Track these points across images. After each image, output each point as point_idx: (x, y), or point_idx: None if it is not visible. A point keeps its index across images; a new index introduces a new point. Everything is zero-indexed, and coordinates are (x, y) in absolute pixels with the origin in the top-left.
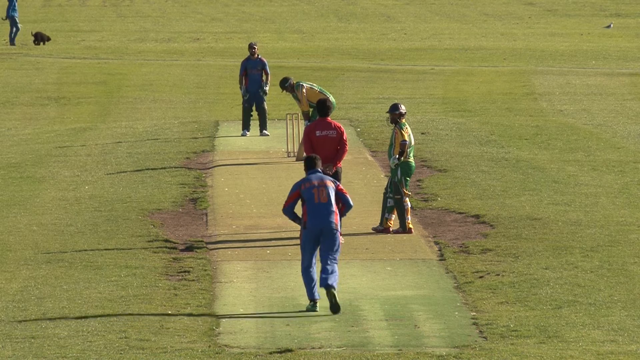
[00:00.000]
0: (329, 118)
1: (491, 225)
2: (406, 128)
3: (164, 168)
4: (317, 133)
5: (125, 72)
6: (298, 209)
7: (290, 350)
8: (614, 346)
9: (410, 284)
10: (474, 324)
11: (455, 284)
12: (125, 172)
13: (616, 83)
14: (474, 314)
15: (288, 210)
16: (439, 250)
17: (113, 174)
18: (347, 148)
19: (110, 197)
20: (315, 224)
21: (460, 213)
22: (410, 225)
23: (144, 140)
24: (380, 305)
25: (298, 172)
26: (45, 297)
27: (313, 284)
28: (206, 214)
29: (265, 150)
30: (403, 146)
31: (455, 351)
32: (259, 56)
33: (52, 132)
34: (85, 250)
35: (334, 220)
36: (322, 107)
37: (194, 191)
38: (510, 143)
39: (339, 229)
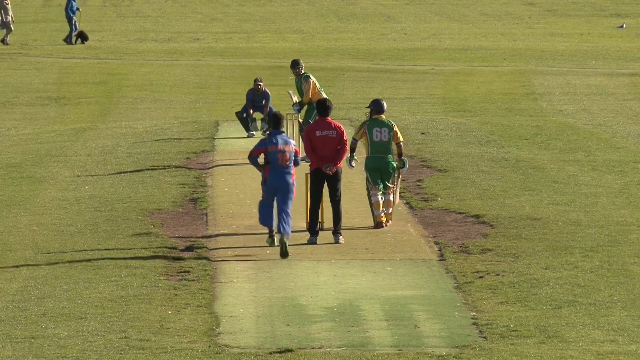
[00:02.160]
0: (329, 118)
1: (491, 225)
2: (365, 126)
3: (164, 168)
4: (317, 133)
5: (125, 72)
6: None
7: (290, 350)
8: (614, 346)
9: (410, 284)
10: (474, 324)
11: (455, 284)
12: (125, 172)
13: (616, 83)
14: (474, 314)
15: (254, 159)
16: (439, 250)
17: (113, 174)
18: (348, 148)
19: (110, 197)
20: (274, 183)
21: (460, 213)
22: (381, 219)
23: (144, 140)
24: (380, 305)
25: (298, 171)
26: (45, 297)
27: (269, 216)
28: (206, 214)
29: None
30: (351, 144)
31: (455, 351)
32: (264, 90)
33: (52, 132)
34: (85, 250)
35: (291, 180)
36: (322, 107)
37: (194, 191)
38: (510, 143)
39: (295, 184)
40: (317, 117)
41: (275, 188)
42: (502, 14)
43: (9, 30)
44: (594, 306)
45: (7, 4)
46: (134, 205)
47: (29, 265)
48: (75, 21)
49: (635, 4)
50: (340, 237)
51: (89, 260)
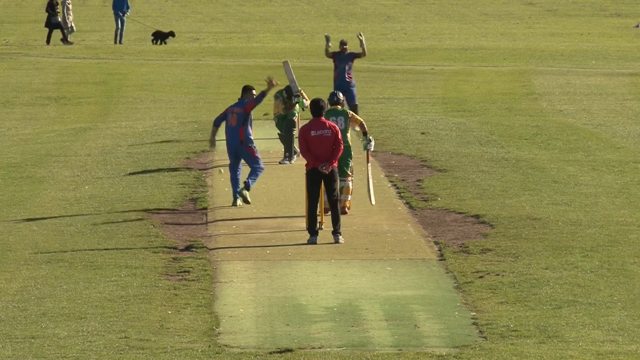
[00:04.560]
0: (322, 118)
1: (491, 225)
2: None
3: (164, 168)
4: (312, 133)
5: (125, 72)
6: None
7: (290, 350)
8: (614, 346)
9: (410, 284)
10: (474, 324)
11: (455, 284)
12: (125, 172)
13: (616, 83)
14: (474, 314)
15: (216, 123)
16: (439, 250)
17: (113, 174)
18: (343, 147)
19: (110, 197)
20: (229, 144)
21: (460, 213)
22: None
23: (144, 140)
24: (380, 305)
25: (298, 171)
26: (45, 297)
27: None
28: (206, 214)
29: (265, 150)
30: None
31: (455, 351)
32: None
33: (52, 132)
34: (85, 250)
35: (239, 138)
36: (316, 108)
37: (194, 191)
38: (510, 143)
39: (250, 144)
40: (295, 110)
41: (231, 149)
42: (502, 14)
43: (72, 30)
44: (594, 306)
45: (69, 3)
46: (134, 205)
47: (29, 265)
48: (121, 21)
49: (636, 3)
50: (340, 237)
51: (89, 260)
